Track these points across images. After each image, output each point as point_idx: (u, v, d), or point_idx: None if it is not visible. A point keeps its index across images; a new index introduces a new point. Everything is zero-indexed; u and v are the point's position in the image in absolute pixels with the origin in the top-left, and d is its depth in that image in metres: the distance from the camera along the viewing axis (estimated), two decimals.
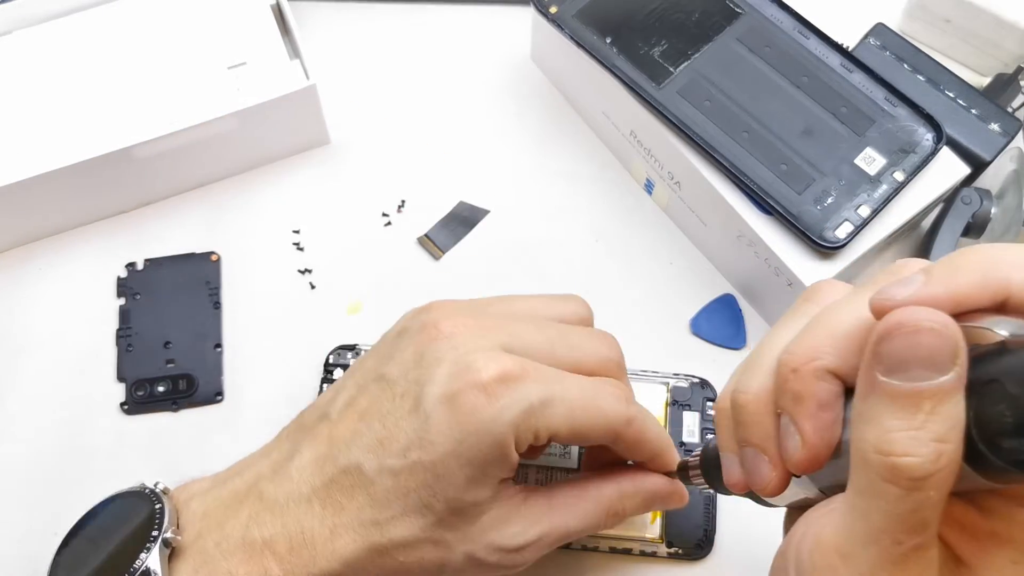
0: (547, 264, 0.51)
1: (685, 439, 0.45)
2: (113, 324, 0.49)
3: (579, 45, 0.48)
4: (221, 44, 0.51)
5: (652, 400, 0.45)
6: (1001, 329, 0.22)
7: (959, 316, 0.22)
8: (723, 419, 0.29)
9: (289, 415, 0.46)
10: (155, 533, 0.33)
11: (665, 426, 0.45)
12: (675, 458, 0.37)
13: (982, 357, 0.22)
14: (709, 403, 0.45)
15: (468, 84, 0.56)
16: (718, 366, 0.47)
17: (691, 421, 0.45)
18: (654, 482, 0.37)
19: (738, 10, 0.48)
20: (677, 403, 0.45)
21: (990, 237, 0.48)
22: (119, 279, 0.50)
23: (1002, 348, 0.21)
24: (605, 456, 0.38)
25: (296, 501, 0.34)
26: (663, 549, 0.42)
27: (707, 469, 0.34)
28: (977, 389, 0.21)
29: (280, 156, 0.53)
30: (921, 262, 0.25)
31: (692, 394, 0.46)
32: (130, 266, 0.50)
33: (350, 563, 0.33)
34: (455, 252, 0.51)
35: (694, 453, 0.35)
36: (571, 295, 0.38)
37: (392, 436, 0.33)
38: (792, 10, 0.47)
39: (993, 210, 0.47)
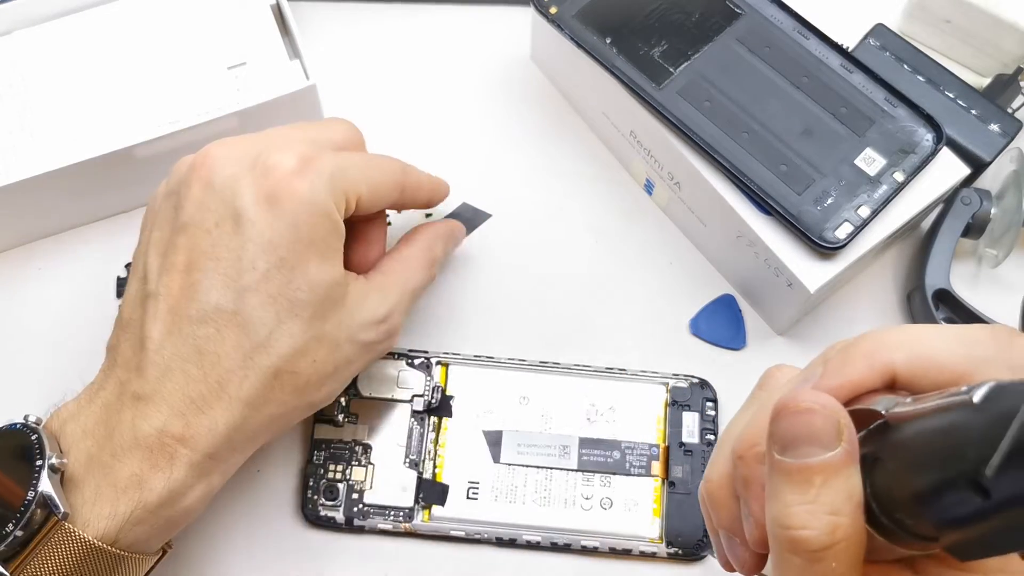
0: (546, 264, 0.51)
1: (685, 439, 0.45)
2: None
3: (579, 45, 0.48)
4: (221, 44, 0.51)
5: (652, 400, 0.45)
6: (882, 406, 0.23)
7: (858, 398, 0.25)
8: (702, 506, 0.31)
9: None
10: (40, 462, 0.32)
11: (664, 426, 0.45)
12: (447, 187, 0.44)
13: (870, 435, 0.23)
14: (709, 403, 0.46)
15: (468, 84, 0.56)
16: (718, 367, 0.47)
17: (690, 421, 0.45)
18: (445, 224, 0.44)
19: (738, 10, 0.48)
20: (676, 403, 0.45)
21: (990, 237, 0.48)
22: (119, 279, 0.50)
23: (882, 425, 0.23)
24: None
25: (170, 378, 0.33)
26: (663, 549, 0.43)
27: None
28: (867, 464, 0.23)
29: None
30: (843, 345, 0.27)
31: (692, 394, 0.46)
32: (130, 266, 0.50)
33: (251, 402, 0.34)
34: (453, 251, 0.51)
35: None
36: (339, 118, 0.42)
37: (231, 262, 0.34)
38: (792, 10, 0.47)
39: (993, 210, 0.47)
